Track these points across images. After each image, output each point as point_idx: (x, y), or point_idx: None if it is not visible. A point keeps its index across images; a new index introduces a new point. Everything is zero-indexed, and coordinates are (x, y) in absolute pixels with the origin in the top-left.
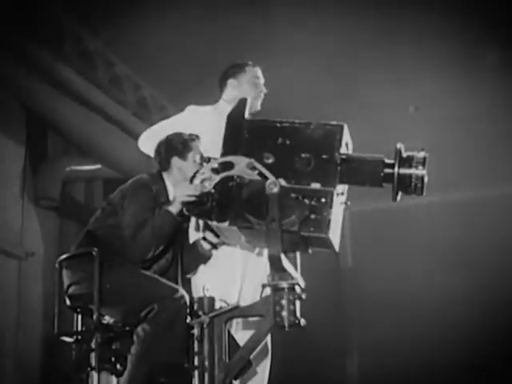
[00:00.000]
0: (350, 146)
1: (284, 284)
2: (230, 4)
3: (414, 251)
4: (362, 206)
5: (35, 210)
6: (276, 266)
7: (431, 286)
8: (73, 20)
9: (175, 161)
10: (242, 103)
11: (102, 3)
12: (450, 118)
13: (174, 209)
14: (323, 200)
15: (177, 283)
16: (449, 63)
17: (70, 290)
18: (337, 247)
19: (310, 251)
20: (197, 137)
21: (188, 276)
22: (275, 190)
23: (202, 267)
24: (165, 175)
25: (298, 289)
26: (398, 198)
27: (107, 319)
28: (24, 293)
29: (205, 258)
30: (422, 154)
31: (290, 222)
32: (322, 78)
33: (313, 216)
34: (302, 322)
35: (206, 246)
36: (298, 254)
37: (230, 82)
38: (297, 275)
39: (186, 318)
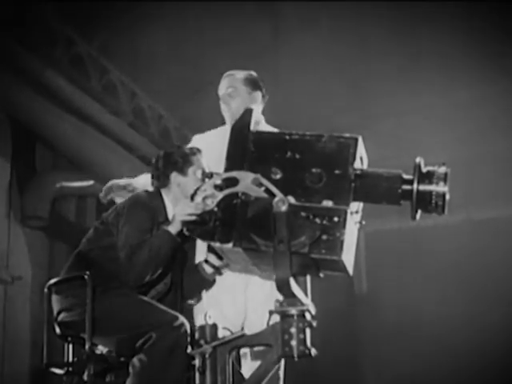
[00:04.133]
0: (366, 161)
1: (293, 310)
2: (232, 10)
3: (433, 275)
4: (378, 226)
5: (22, 230)
6: (285, 291)
7: (452, 314)
8: (64, 23)
9: (174, 176)
10: (248, 114)
11: (96, 5)
12: (472, 131)
13: (173, 229)
14: (336, 219)
15: (176, 309)
16: (474, 73)
17: (60, 317)
18: (351, 270)
19: (321, 275)
20: (198, 150)
21: (190, 302)
22: (283, 208)
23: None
24: (163, 192)
25: (308, 316)
26: (418, 216)
27: (101, 349)
28: (10, 320)
29: (207, 283)
30: (443, 169)
31: (299, 243)
32: (335, 87)
33: (324, 237)
34: (313, 351)
35: (209, 269)
36: (308, 277)
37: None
38: (307, 301)
39: (186, 347)
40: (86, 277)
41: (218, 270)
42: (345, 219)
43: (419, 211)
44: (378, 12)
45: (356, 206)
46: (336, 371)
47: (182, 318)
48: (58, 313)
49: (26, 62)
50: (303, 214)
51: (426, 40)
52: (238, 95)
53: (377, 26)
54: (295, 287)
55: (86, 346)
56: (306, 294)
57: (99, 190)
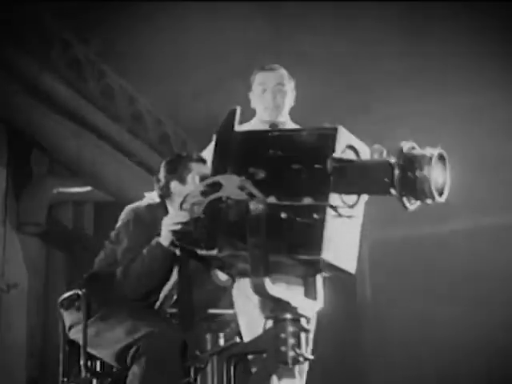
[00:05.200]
0: (364, 150)
1: (285, 315)
2: (232, 12)
3: (439, 283)
4: (382, 234)
5: (18, 236)
6: (264, 295)
7: (459, 322)
8: (60, 25)
9: (175, 185)
10: (231, 114)
11: (93, 6)
12: (480, 137)
13: (164, 240)
14: (315, 216)
15: (191, 320)
16: (484, 75)
17: (71, 333)
18: (349, 269)
19: (325, 275)
20: (198, 156)
21: (213, 311)
22: (260, 209)
23: None
24: (168, 202)
25: (303, 320)
26: (412, 206)
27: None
28: (6, 328)
29: (223, 290)
30: (429, 152)
31: (277, 244)
32: (341, 91)
33: (304, 236)
34: (308, 356)
35: (222, 276)
36: (318, 278)
37: (251, 95)
38: (303, 304)
39: (176, 357)
40: (80, 293)
41: (231, 276)
42: (324, 215)
43: (414, 201)
44: (381, 12)
45: (351, 200)
46: (340, 379)
47: (170, 328)
48: (69, 328)
49: (21, 65)
50: (283, 214)
51: (434, 40)
52: (286, 91)
53: (381, 25)
54: (292, 289)
55: (82, 361)
56: (315, 294)
57: (97, 195)
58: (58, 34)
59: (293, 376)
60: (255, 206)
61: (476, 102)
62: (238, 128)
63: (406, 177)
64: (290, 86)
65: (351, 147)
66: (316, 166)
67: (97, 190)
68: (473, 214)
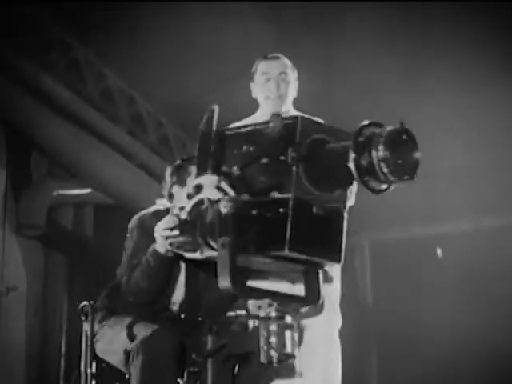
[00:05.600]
0: (336, 136)
1: (265, 313)
2: (233, 14)
3: (441, 285)
4: (384, 236)
5: (17, 239)
6: (241, 295)
7: (461, 325)
8: (60, 26)
9: (176, 190)
10: (210, 114)
11: (93, 7)
12: (482, 138)
13: (159, 247)
14: (281, 210)
15: (193, 322)
16: (485, 78)
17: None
18: (332, 260)
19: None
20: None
21: (237, 313)
22: (227, 208)
23: None
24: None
25: (288, 318)
26: (380, 188)
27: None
28: (5, 331)
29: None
30: (383, 130)
31: (247, 243)
32: (338, 91)
33: (271, 232)
34: (294, 354)
35: None
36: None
37: (252, 86)
38: (287, 300)
39: (170, 361)
40: (85, 306)
41: None
42: (288, 209)
43: (379, 184)
44: (385, 12)
45: (328, 188)
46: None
47: (161, 333)
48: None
49: (21, 67)
50: (254, 211)
51: (437, 40)
52: (289, 80)
53: (384, 26)
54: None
55: (82, 367)
56: (317, 288)
57: (96, 198)
58: (58, 36)
59: (293, 376)
60: (224, 206)
61: (476, 103)
62: (219, 126)
63: (360, 159)
64: (293, 76)
65: (319, 135)
66: (281, 157)
67: (96, 192)
68: (474, 215)
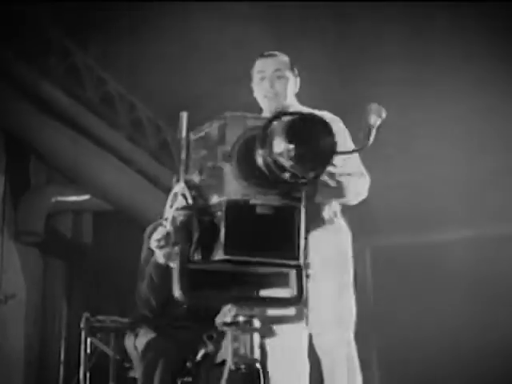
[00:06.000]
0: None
1: (234, 319)
2: (233, 18)
3: (442, 291)
4: (386, 242)
5: (16, 246)
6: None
7: (462, 330)
8: (59, 31)
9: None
10: (181, 120)
11: (92, 12)
12: (482, 146)
13: (158, 257)
14: (219, 214)
15: (194, 329)
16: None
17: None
18: (286, 260)
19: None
20: None
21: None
22: (181, 217)
23: None
24: None
25: (255, 321)
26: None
27: None
28: (4, 338)
29: None
30: (283, 122)
31: (192, 251)
32: (338, 93)
33: (212, 238)
34: (256, 360)
35: None
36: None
37: (252, 85)
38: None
39: (164, 368)
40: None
41: None
42: (222, 211)
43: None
44: (389, 12)
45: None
46: None
47: (157, 341)
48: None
49: (19, 72)
50: (207, 217)
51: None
52: (286, 77)
53: (386, 28)
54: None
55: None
56: (297, 291)
57: (95, 204)
58: (57, 41)
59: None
60: (178, 214)
61: (473, 110)
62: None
63: (265, 155)
64: (291, 73)
65: (252, 133)
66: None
67: (95, 198)
68: (475, 222)
